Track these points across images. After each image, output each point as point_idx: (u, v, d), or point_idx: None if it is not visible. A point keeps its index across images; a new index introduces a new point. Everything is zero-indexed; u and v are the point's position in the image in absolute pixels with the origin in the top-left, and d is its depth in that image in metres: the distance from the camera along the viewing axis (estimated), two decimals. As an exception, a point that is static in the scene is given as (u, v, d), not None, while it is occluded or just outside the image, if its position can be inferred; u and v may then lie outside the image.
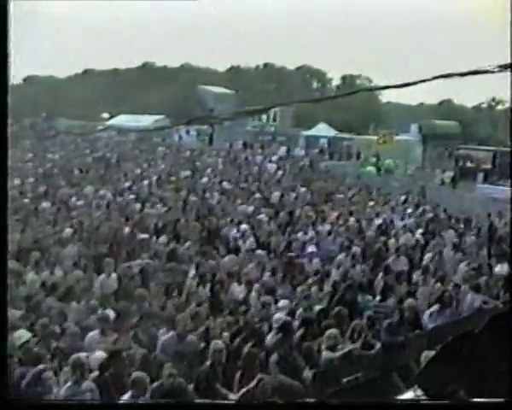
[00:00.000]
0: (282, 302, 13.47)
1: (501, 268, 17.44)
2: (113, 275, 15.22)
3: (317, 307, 13.34)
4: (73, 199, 26.35)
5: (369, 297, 14.33)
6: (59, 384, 9.50)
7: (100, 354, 10.15)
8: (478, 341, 4.00)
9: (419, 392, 4.14)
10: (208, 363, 10.15)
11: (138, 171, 35.62)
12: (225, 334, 11.71)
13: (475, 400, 3.75)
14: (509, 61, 4.76)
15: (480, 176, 43.28)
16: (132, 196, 27.43)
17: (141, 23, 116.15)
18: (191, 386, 9.52)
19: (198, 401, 8.73)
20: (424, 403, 4.09)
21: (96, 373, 9.74)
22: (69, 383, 9.35)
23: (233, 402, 7.24)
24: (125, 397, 8.89)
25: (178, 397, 8.96)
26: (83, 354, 10.00)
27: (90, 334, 11.46)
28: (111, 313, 12.42)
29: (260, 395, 8.43)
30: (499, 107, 78.51)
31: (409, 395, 4.28)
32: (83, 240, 18.63)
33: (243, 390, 9.29)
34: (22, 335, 10.86)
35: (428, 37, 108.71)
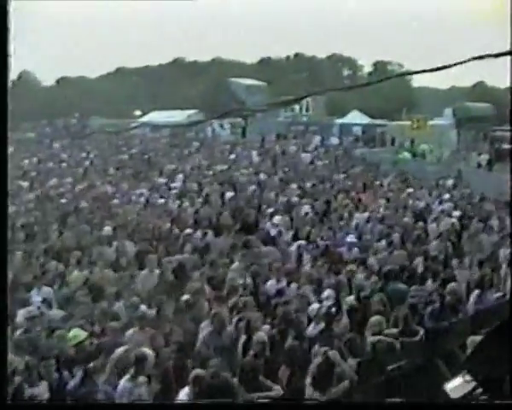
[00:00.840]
0: (325, 292, 13.45)
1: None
2: (155, 271, 15.28)
3: (359, 296, 13.33)
4: (111, 197, 26.48)
5: (404, 287, 14.15)
6: (105, 382, 9.58)
7: (147, 351, 10.20)
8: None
9: (468, 377, 4.14)
10: (251, 355, 10.17)
11: (173, 166, 35.59)
12: (266, 326, 11.74)
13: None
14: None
15: (517, 157, 42.75)
16: (169, 192, 27.52)
17: (170, 19, 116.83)
18: (235, 379, 9.52)
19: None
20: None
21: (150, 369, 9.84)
22: (127, 377, 9.46)
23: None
24: (183, 393, 8.94)
25: (223, 391, 8.96)
26: (142, 350, 10.07)
27: (131, 330, 11.54)
28: (153, 309, 12.50)
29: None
30: (533, 87, 77.34)
31: (457, 381, 4.28)
32: (122, 237, 18.67)
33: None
34: (78, 334, 10.94)
35: (457, 22, 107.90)
